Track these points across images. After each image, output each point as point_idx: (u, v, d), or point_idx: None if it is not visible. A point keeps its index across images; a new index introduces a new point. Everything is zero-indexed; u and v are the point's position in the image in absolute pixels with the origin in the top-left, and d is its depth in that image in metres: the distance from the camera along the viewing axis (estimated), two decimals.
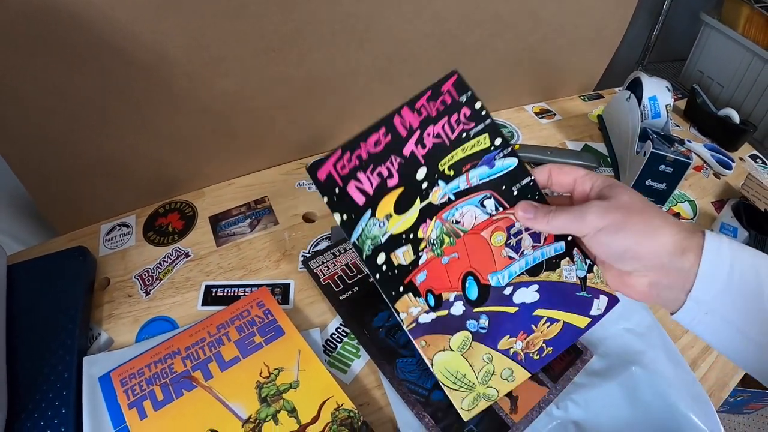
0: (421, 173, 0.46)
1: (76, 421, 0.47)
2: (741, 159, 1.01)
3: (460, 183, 0.46)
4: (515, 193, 0.46)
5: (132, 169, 0.67)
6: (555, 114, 1.02)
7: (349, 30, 0.67)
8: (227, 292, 0.60)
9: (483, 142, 0.48)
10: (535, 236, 0.46)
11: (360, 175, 0.45)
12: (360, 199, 0.44)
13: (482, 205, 0.46)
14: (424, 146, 0.47)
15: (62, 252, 0.61)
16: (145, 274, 0.62)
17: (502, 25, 0.82)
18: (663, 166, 0.74)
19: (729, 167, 0.94)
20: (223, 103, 0.66)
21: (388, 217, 0.44)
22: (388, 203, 0.45)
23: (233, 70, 0.63)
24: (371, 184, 0.45)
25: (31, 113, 0.55)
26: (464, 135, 0.48)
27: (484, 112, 0.48)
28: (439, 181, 0.46)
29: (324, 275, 0.60)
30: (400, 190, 0.45)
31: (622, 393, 0.53)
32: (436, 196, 0.45)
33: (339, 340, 0.56)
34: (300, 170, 0.78)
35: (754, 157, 1.03)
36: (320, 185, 0.44)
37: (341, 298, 0.58)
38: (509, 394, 0.50)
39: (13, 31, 0.48)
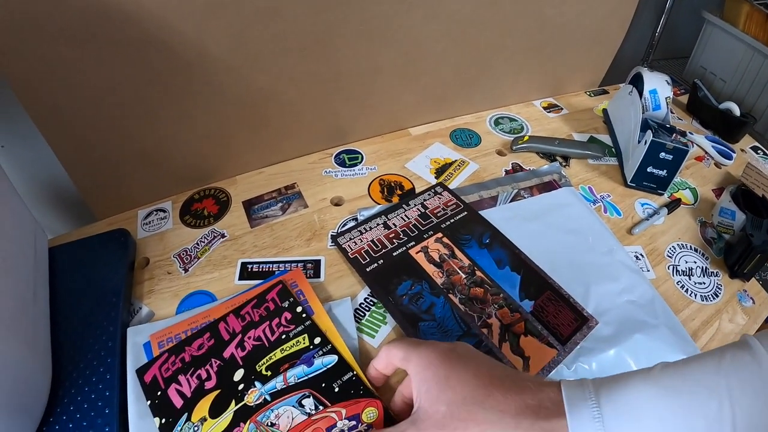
0: (239, 375, 0.48)
1: (121, 387, 0.49)
2: (742, 150, 1.04)
3: (277, 383, 0.47)
4: (336, 389, 0.46)
5: (171, 157, 0.71)
6: (562, 108, 1.07)
7: (372, 31, 0.72)
8: (262, 268, 0.64)
9: (302, 342, 0.50)
10: None
11: (181, 377, 0.48)
12: (178, 402, 0.46)
13: (300, 405, 0.45)
14: (243, 349, 0.50)
15: (105, 234, 0.65)
16: (183, 254, 0.66)
17: (511, 25, 0.87)
18: (663, 154, 0.79)
19: (730, 158, 0.98)
20: (258, 96, 0.71)
21: (203, 420, 0.45)
22: (203, 406, 0.46)
23: (268, 66, 0.68)
24: (190, 387, 0.47)
25: (82, 104, 0.59)
26: (284, 336, 0.51)
27: (304, 315, 0.52)
28: (256, 382, 0.47)
29: (352, 250, 0.65)
30: (216, 392, 0.47)
31: (626, 358, 0.56)
32: (252, 397, 0.46)
33: (367, 308, 0.61)
34: (326, 159, 0.84)
35: (755, 149, 1.06)
36: (145, 388, 0.48)
37: (368, 270, 0.63)
38: (521, 354, 0.55)
39: (69, 26, 0.52)
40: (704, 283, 0.71)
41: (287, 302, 0.55)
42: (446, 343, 0.42)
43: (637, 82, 0.93)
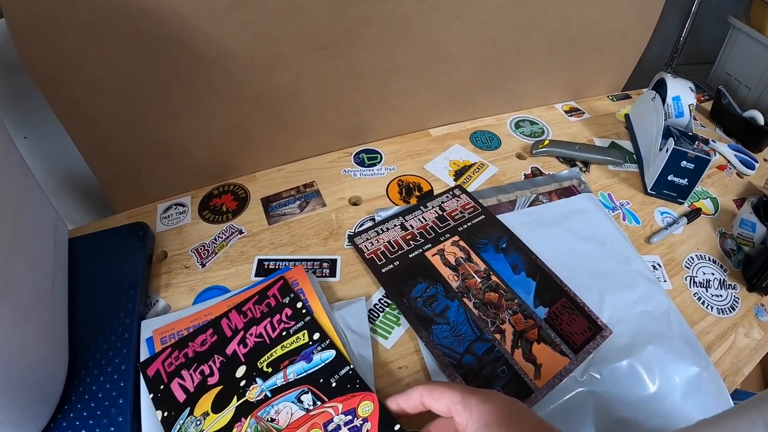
0: (241, 371, 0.49)
1: (135, 377, 0.50)
2: (765, 160, 1.02)
3: (278, 379, 0.48)
4: (334, 384, 0.47)
5: (190, 152, 0.72)
6: (584, 113, 1.06)
7: (394, 31, 0.72)
8: (279, 265, 0.65)
9: (302, 338, 0.51)
10: (355, 431, 0.44)
11: (184, 372, 0.49)
12: (181, 396, 0.47)
13: (299, 401, 0.46)
14: (246, 345, 0.51)
15: (124, 226, 0.66)
16: (201, 248, 0.67)
17: (533, 27, 0.86)
18: (684, 162, 0.78)
19: (752, 167, 0.96)
20: (278, 94, 0.71)
21: (205, 415, 0.46)
22: (206, 401, 0.47)
23: (289, 65, 0.68)
24: (193, 382, 0.48)
25: (103, 98, 0.60)
26: (284, 333, 0.52)
27: (304, 311, 0.53)
28: (257, 379, 0.48)
29: (368, 250, 0.66)
30: (219, 388, 0.48)
31: (638, 369, 0.56)
32: (253, 393, 0.47)
33: (381, 309, 0.61)
34: (345, 158, 0.84)
35: None
36: (148, 381, 0.49)
37: (383, 271, 0.63)
38: (533, 361, 0.55)
39: (90, 23, 0.53)
40: (721, 296, 0.71)
41: (288, 298, 0.56)
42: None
43: (661, 88, 0.91)
